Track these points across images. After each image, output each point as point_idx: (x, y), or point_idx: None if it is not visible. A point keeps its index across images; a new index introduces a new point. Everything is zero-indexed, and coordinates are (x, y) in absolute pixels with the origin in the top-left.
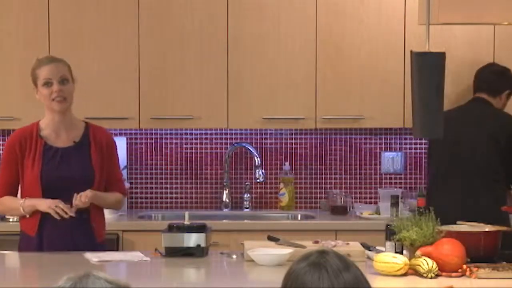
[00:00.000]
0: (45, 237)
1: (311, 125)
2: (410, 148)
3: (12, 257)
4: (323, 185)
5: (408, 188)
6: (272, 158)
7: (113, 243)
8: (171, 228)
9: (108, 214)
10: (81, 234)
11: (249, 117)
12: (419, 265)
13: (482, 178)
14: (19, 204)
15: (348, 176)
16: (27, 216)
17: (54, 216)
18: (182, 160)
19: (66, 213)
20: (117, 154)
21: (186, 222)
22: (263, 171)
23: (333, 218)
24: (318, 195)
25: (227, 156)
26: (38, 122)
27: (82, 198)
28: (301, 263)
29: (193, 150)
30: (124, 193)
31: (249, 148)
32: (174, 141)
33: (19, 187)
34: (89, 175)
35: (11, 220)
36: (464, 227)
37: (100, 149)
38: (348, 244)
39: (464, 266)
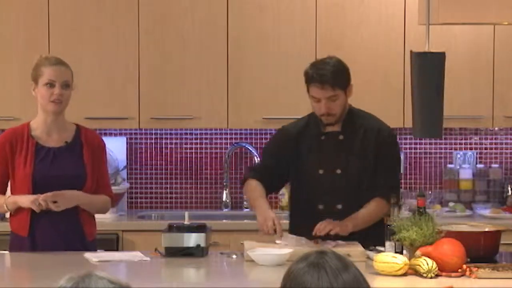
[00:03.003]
0: (38, 237)
1: None
2: (410, 148)
3: (10, 257)
4: None
5: (408, 188)
6: None
7: (113, 243)
8: (171, 228)
9: (108, 214)
10: (72, 234)
11: (249, 117)
12: (419, 265)
13: None
14: (3, 201)
15: None
16: (11, 212)
17: (36, 210)
18: (182, 160)
19: (47, 205)
20: (106, 159)
21: (186, 222)
22: None
23: None
24: None
25: (227, 156)
26: (28, 123)
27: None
28: (300, 263)
29: (193, 150)
30: (112, 197)
31: (249, 148)
32: (174, 141)
33: (9, 187)
34: (81, 174)
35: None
36: (464, 227)
37: (92, 151)
38: (348, 244)
39: (464, 266)
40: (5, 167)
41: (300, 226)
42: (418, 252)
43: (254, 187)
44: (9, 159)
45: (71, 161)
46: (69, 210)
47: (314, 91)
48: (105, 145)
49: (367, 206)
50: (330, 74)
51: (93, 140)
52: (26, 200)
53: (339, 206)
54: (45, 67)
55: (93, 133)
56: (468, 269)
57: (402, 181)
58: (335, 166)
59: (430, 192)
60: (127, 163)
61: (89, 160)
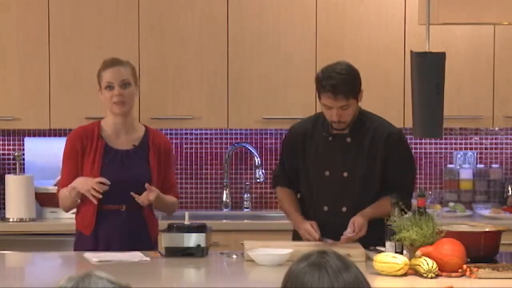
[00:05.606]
0: (101, 236)
1: None
2: (410, 148)
3: (13, 257)
4: None
5: None
6: (272, 158)
7: None
8: (171, 228)
9: None
10: (137, 234)
11: (249, 117)
12: (419, 265)
13: None
14: (66, 190)
15: None
16: (77, 200)
17: (92, 199)
18: (182, 160)
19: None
20: (174, 160)
21: (186, 222)
22: (263, 171)
23: None
24: None
25: (227, 156)
26: (99, 122)
27: (149, 197)
28: (301, 263)
29: (193, 150)
30: (178, 197)
31: (249, 148)
32: (174, 141)
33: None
34: (146, 179)
35: (11, 220)
36: (464, 227)
37: (158, 154)
38: (348, 244)
39: (464, 266)
40: (76, 163)
41: None
42: (418, 252)
43: (283, 199)
44: (79, 156)
45: (138, 166)
46: (136, 210)
47: (326, 100)
48: (172, 147)
49: (379, 207)
50: (343, 85)
51: (160, 143)
52: (81, 187)
53: (344, 209)
54: (104, 71)
55: (160, 135)
56: (468, 269)
57: None
58: (342, 168)
59: (430, 192)
60: None
61: (154, 164)
